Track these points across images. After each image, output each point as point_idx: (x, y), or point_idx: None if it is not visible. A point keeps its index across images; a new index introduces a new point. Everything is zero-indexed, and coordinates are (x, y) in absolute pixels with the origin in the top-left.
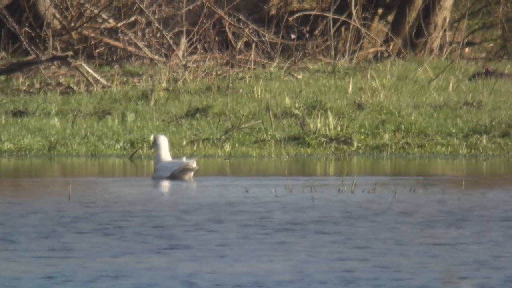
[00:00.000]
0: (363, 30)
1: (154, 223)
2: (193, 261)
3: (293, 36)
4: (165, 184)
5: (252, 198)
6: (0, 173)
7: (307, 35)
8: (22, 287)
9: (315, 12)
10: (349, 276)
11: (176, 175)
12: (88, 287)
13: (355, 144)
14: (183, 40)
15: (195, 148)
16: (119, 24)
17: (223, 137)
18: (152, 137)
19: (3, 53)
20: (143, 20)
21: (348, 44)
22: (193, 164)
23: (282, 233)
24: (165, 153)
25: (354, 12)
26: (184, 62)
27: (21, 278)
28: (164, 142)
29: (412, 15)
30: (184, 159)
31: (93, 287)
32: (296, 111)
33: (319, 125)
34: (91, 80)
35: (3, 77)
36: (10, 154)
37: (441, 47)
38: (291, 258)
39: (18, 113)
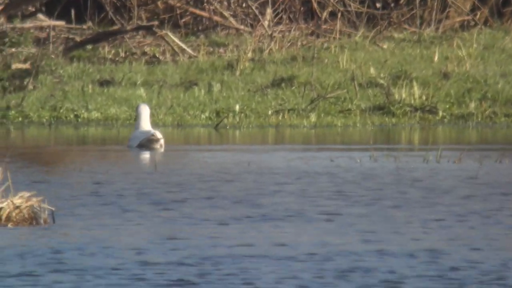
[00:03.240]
0: None
1: (241, 192)
2: (273, 230)
3: (378, 5)
4: (252, 153)
5: (337, 168)
6: (88, 142)
7: (393, 4)
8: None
9: None
10: (431, 248)
11: (144, 144)
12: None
13: (440, 113)
14: (269, 10)
15: (280, 118)
16: None
17: (308, 107)
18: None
19: (89, 23)
20: None
21: (434, 13)
22: (157, 134)
23: (366, 204)
24: (145, 123)
25: None
26: (269, 32)
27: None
28: (144, 111)
29: None
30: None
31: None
32: (381, 81)
33: (404, 95)
34: (177, 50)
35: (89, 47)
36: (98, 123)
37: None
38: (373, 230)
39: (104, 83)
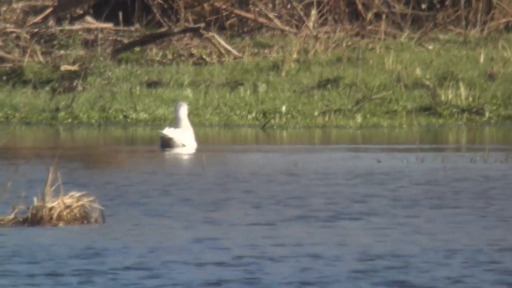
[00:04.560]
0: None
1: (288, 192)
2: (320, 230)
3: (423, 6)
4: (299, 154)
5: (384, 168)
6: (137, 142)
7: (438, 6)
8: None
9: None
10: (482, 248)
11: (164, 144)
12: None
13: (487, 114)
14: (313, 11)
15: (326, 119)
16: None
17: (354, 108)
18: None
19: (137, 25)
20: None
21: (479, 15)
22: (168, 133)
23: (413, 204)
24: (179, 122)
25: None
26: (314, 33)
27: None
28: (180, 109)
29: None
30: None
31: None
32: (427, 82)
33: (450, 96)
34: (223, 51)
35: (137, 49)
36: (146, 123)
37: None
38: (421, 230)
39: (152, 84)
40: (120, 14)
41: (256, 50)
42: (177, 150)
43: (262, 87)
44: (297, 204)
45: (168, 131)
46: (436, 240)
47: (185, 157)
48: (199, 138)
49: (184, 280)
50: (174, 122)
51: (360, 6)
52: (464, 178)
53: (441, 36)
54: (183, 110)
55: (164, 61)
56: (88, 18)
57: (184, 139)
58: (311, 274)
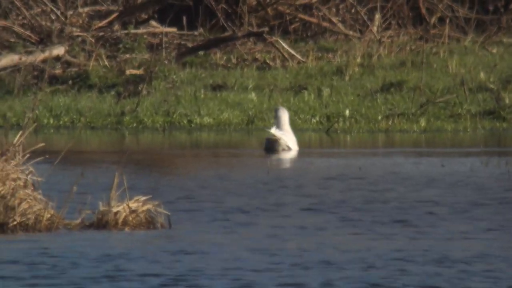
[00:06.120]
0: None
1: (353, 197)
2: (379, 236)
3: (489, 9)
4: (363, 158)
5: (448, 173)
6: (201, 146)
7: (502, 9)
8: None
9: None
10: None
11: (269, 147)
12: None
13: None
14: (377, 16)
15: (390, 122)
16: (313, 0)
17: (418, 111)
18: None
19: (201, 30)
20: None
21: None
22: (275, 133)
23: (474, 209)
24: (282, 126)
25: None
26: (378, 38)
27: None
28: (282, 114)
29: None
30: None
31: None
32: (491, 85)
33: None
34: (286, 55)
35: (201, 53)
36: (210, 128)
37: None
38: (483, 236)
39: (217, 88)
40: (184, 19)
41: (320, 55)
42: (282, 154)
43: (326, 91)
44: (358, 208)
45: (276, 131)
46: (487, 246)
47: (251, 161)
48: (263, 142)
49: (251, 285)
50: (275, 126)
51: (423, 11)
52: None
53: (505, 40)
54: (286, 115)
55: (229, 65)
56: (153, 23)
57: (289, 141)
58: (351, 280)
